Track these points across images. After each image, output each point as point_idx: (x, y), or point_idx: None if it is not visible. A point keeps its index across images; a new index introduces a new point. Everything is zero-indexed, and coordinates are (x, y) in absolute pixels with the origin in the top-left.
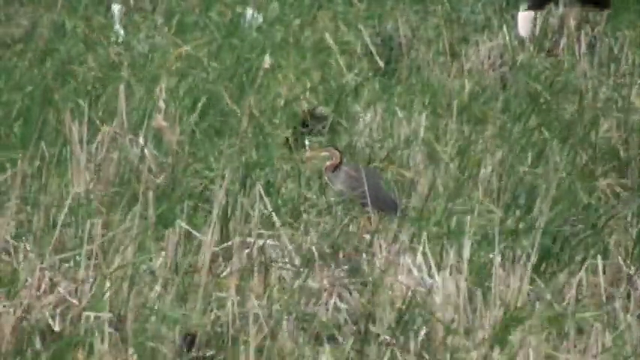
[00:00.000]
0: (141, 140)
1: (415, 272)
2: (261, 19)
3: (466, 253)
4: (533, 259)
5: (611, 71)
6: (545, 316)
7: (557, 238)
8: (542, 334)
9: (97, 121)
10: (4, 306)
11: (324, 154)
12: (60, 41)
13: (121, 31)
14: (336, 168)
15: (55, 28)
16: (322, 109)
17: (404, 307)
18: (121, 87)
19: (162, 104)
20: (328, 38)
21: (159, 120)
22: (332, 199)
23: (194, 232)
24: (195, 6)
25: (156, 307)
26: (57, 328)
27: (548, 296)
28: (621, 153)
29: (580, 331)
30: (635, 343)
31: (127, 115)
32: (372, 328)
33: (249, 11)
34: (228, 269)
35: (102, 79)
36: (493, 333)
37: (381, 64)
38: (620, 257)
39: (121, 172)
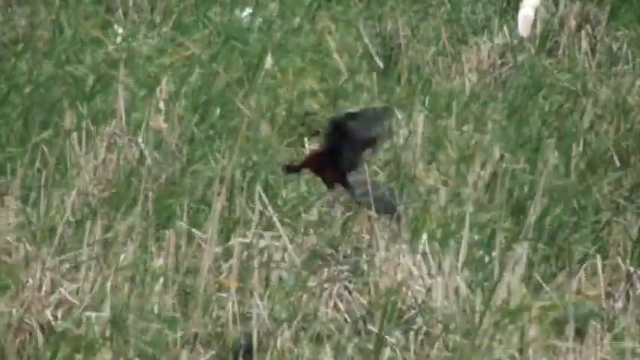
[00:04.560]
0: (140, 141)
1: (415, 272)
2: (260, 20)
3: (466, 253)
4: (533, 259)
5: (611, 71)
6: (545, 316)
7: (556, 238)
8: (541, 334)
9: (97, 122)
10: (6, 308)
11: None
12: (59, 41)
13: (120, 31)
14: None
15: (53, 28)
16: (322, 110)
17: (404, 307)
18: (120, 87)
19: (162, 105)
20: (328, 38)
21: (158, 121)
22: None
23: (194, 233)
24: (193, 5)
25: (156, 308)
26: (58, 329)
27: (548, 296)
28: (621, 153)
29: (579, 331)
30: (635, 343)
31: (125, 116)
32: (372, 328)
33: (248, 11)
34: (229, 269)
35: (101, 79)
36: (493, 333)
37: (381, 64)
38: (619, 257)
39: (121, 172)
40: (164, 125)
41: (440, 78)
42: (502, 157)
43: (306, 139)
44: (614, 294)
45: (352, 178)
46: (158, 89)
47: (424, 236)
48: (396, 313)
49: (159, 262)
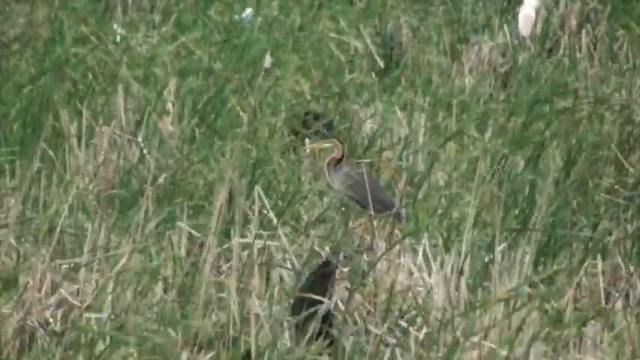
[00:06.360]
0: (140, 141)
1: (415, 272)
2: (260, 19)
3: (466, 253)
4: (533, 259)
5: (612, 71)
6: (545, 315)
7: (556, 239)
8: (541, 334)
9: (96, 122)
10: (7, 308)
11: (326, 145)
12: (58, 40)
13: (120, 30)
14: (338, 162)
15: (52, 27)
16: (322, 109)
17: (404, 307)
18: (120, 87)
19: (170, 107)
20: (328, 38)
21: (166, 124)
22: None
23: (195, 233)
24: (194, 5)
25: (157, 309)
26: (59, 329)
27: (548, 296)
28: (622, 152)
29: (579, 331)
30: (634, 342)
31: (125, 116)
32: (372, 328)
33: (249, 11)
34: (229, 270)
35: (100, 79)
36: (492, 333)
37: (381, 64)
38: (619, 257)
39: (121, 172)
40: (171, 127)
41: (441, 77)
42: (503, 157)
43: (306, 139)
44: (614, 294)
45: (353, 180)
46: (166, 90)
47: (425, 237)
48: (396, 313)
49: (160, 263)
